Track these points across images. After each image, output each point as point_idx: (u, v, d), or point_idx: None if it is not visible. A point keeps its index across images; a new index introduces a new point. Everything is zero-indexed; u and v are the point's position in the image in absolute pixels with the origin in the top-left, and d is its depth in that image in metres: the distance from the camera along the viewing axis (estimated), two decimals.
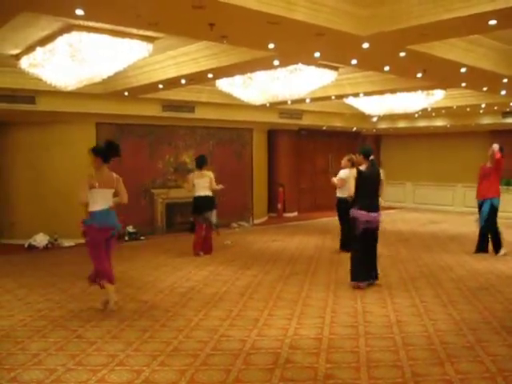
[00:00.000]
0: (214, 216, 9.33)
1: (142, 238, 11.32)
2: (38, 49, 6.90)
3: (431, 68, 7.70)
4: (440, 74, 8.40)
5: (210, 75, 8.25)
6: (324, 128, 16.21)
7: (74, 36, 6.22)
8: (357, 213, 6.80)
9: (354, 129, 17.15)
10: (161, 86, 9.25)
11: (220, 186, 9.38)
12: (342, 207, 8.71)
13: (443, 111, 14.16)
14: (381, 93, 10.64)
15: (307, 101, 11.47)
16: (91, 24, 6.06)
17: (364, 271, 6.85)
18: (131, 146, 11.54)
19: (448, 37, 6.33)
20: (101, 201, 5.78)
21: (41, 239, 10.31)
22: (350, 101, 12.18)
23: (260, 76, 8.60)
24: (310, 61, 7.69)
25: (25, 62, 7.51)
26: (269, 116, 13.64)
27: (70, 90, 8.23)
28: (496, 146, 8.89)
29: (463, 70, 7.74)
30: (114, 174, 5.98)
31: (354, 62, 7.39)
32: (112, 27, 6.17)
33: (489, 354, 4.45)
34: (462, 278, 7.37)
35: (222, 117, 12.51)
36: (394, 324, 5.33)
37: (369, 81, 9.91)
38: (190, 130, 12.80)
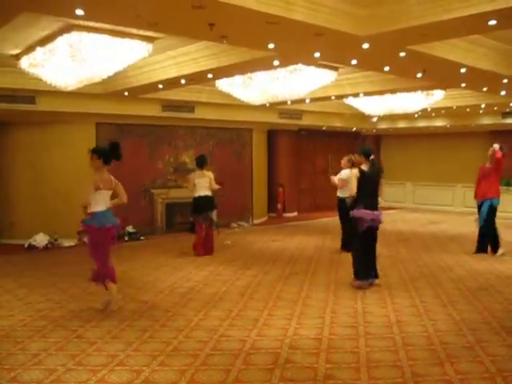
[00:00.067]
0: (214, 216, 9.38)
1: (141, 238, 11.32)
2: (38, 49, 6.90)
3: (431, 68, 7.70)
4: (440, 75, 8.40)
5: (209, 75, 8.25)
6: (324, 128, 16.22)
7: (74, 36, 6.22)
8: (361, 212, 6.78)
9: (354, 129, 17.15)
10: (161, 86, 9.25)
11: (217, 186, 9.42)
12: (343, 207, 8.71)
13: (443, 111, 14.16)
14: (381, 93, 10.65)
15: (307, 101, 11.47)
16: (91, 24, 6.06)
17: (365, 270, 6.86)
18: (131, 146, 11.54)
19: (448, 37, 6.33)
20: (102, 202, 5.80)
21: (41, 239, 10.31)
22: (350, 101, 12.18)
23: (260, 76, 8.60)
24: (309, 61, 7.69)
25: (25, 62, 7.52)
26: (269, 116, 13.64)
27: (70, 90, 8.23)
28: (496, 146, 8.90)
29: (463, 70, 7.75)
30: (112, 177, 5.96)
31: (353, 62, 7.40)
32: (112, 27, 6.17)
33: (488, 354, 4.45)
34: (461, 279, 7.38)
35: (222, 117, 12.51)
36: (393, 324, 5.33)
37: (369, 81, 9.91)
38: (190, 130, 12.80)
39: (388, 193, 18.53)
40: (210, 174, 9.34)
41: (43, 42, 6.77)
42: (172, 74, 8.27)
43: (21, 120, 10.70)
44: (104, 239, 5.82)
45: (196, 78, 8.60)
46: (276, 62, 7.35)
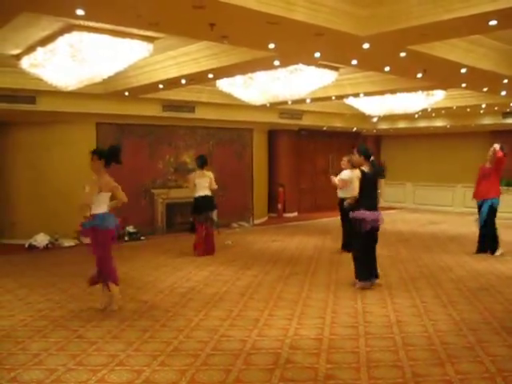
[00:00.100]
0: (214, 216, 9.41)
1: (142, 238, 11.32)
2: (39, 49, 6.91)
3: (431, 68, 7.70)
4: (440, 75, 8.40)
5: (210, 75, 8.26)
6: (324, 128, 16.22)
7: (75, 36, 6.22)
8: (363, 213, 6.74)
9: (355, 129, 17.15)
10: (161, 86, 9.25)
11: (216, 186, 9.48)
12: (344, 208, 8.68)
13: (443, 112, 14.16)
14: (381, 93, 10.65)
15: (307, 101, 11.47)
16: (92, 24, 6.07)
17: (367, 271, 6.86)
18: (131, 146, 11.56)
19: (448, 37, 6.33)
20: (103, 204, 5.81)
21: (41, 239, 10.31)
22: (351, 101, 12.18)
23: (260, 76, 8.60)
24: (310, 61, 7.69)
25: (25, 62, 7.52)
26: (269, 116, 13.65)
27: (71, 90, 8.24)
28: (497, 146, 8.91)
29: (463, 70, 7.75)
30: (112, 180, 5.96)
31: (354, 62, 7.40)
32: (112, 27, 6.17)
33: (489, 355, 4.45)
34: (461, 279, 7.37)
35: (223, 117, 12.52)
36: (394, 324, 5.33)
37: (369, 81, 9.91)
38: (190, 130, 12.80)
39: (388, 193, 18.56)
40: (210, 174, 9.35)
41: (44, 42, 6.78)
42: (172, 74, 8.28)
43: (21, 120, 10.71)
44: (107, 240, 5.84)
45: (196, 78, 8.60)
46: (276, 62, 7.35)
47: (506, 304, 6.10)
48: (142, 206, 11.89)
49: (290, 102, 11.42)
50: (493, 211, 8.97)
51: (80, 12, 4.97)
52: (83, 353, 4.55)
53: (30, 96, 9.58)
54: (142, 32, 6.51)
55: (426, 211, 16.83)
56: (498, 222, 9.20)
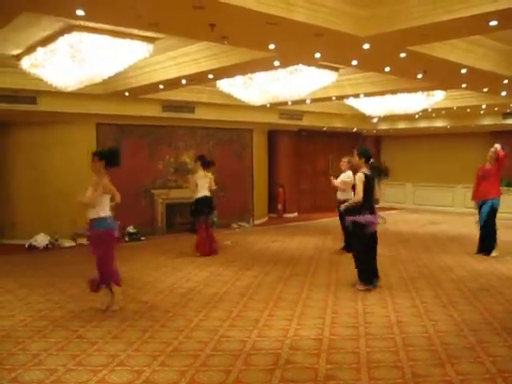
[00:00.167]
0: (215, 216, 9.43)
1: (142, 238, 11.32)
2: (39, 49, 6.92)
3: (432, 69, 7.71)
4: (440, 75, 8.40)
5: (210, 76, 8.26)
6: (324, 129, 16.22)
7: (75, 36, 6.23)
8: (367, 218, 6.69)
9: (355, 130, 17.16)
10: (161, 87, 9.26)
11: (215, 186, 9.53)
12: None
13: (443, 112, 14.17)
14: (381, 94, 10.65)
15: (307, 101, 11.47)
16: (92, 24, 6.07)
17: (371, 274, 6.85)
18: (131, 146, 11.57)
19: (448, 38, 6.33)
20: (106, 206, 5.82)
21: (41, 239, 10.32)
22: (351, 102, 12.19)
23: (260, 77, 8.60)
24: (310, 61, 7.69)
25: (26, 63, 7.53)
26: (269, 117, 13.65)
27: (71, 91, 8.25)
28: (498, 146, 8.94)
29: (464, 70, 7.75)
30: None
31: (354, 62, 7.40)
32: (112, 28, 6.18)
33: (489, 355, 4.45)
34: (462, 279, 7.37)
35: (222, 117, 12.53)
36: (394, 325, 5.33)
37: (369, 81, 9.92)
38: (190, 131, 12.81)
39: (388, 193, 18.53)
40: (209, 175, 9.39)
41: (44, 42, 6.79)
42: (173, 74, 8.28)
43: (22, 120, 10.71)
44: (110, 241, 5.85)
45: (197, 79, 8.60)
46: (276, 63, 7.36)
47: (507, 305, 6.09)
48: (142, 206, 11.90)
49: (290, 103, 11.43)
50: (493, 212, 8.97)
51: (80, 12, 4.97)
52: (83, 353, 4.55)
53: (31, 96, 9.59)
54: (142, 32, 6.51)
55: (426, 212, 16.83)
56: (499, 222, 9.20)
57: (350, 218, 6.83)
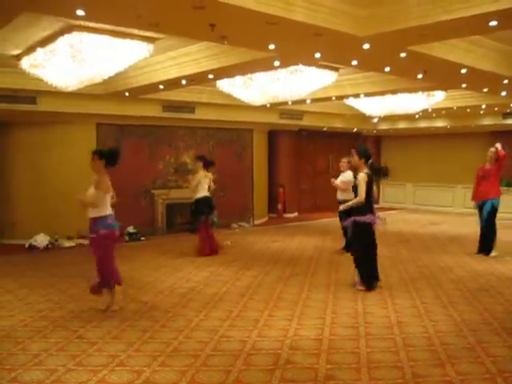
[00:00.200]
0: (215, 216, 9.45)
1: (142, 238, 11.32)
2: (39, 49, 6.91)
3: (432, 69, 7.70)
4: (440, 75, 8.40)
5: (210, 76, 8.26)
6: (324, 129, 16.22)
7: (75, 36, 6.23)
8: (370, 218, 6.70)
9: (355, 130, 17.15)
10: (161, 87, 9.25)
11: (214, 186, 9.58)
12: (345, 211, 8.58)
13: (443, 112, 14.16)
14: (381, 94, 10.65)
15: (308, 101, 11.47)
16: (92, 24, 6.07)
17: (374, 276, 6.87)
18: (131, 146, 11.57)
19: (448, 38, 6.33)
20: (107, 205, 5.81)
21: (41, 239, 10.31)
22: (351, 102, 12.19)
23: (260, 77, 8.60)
24: (310, 61, 7.69)
25: (26, 63, 7.53)
26: (269, 117, 13.65)
27: (71, 91, 8.24)
28: (499, 145, 8.96)
29: (464, 70, 7.75)
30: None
31: (354, 62, 7.40)
32: (113, 28, 6.18)
33: (489, 355, 4.45)
34: (462, 279, 7.37)
35: (223, 117, 12.53)
36: (394, 325, 5.33)
37: (369, 81, 9.91)
38: (190, 131, 12.81)
39: (388, 193, 18.54)
40: (209, 175, 9.40)
41: (44, 42, 6.78)
42: (173, 74, 8.28)
43: (22, 120, 10.71)
44: (112, 241, 5.86)
45: (197, 79, 8.61)
46: (276, 63, 7.36)
47: (506, 305, 6.09)
48: (142, 206, 11.89)
49: (290, 103, 11.43)
50: (493, 211, 8.98)
51: (80, 12, 4.97)
52: (83, 353, 4.55)
53: (31, 96, 9.59)
54: (142, 32, 6.51)
55: (427, 212, 16.83)
56: (498, 222, 9.20)
57: (351, 218, 6.82)
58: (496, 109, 13.31)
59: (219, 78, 8.86)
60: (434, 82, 9.32)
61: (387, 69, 7.89)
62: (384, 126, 17.01)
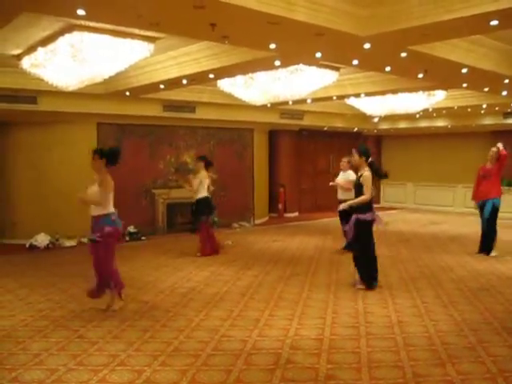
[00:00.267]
0: (215, 216, 9.47)
1: (142, 238, 11.32)
2: (40, 49, 6.91)
3: (432, 68, 7.70)
4: (441, 75, 8.40)
5: (211, 75, 8.26)
6: (325, 128, 16.22)
7: (76, 36, 6.23)
8: (373, 215, 6.74)
9: (356, 129, 17.14)
10: (162, 86, 9.25)
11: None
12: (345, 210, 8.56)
13: (444, 112, 14.16)
14: (382, 93, 10.64)
15: (308, 101, 11.47)
16: (92, 24, 6.07)
17: (372, 275, 6.87)
18: (132, 146, 11.57)
19: (449, 37, 6.33)
20: (111, 203, 5.81)
21: (42, 239, 10.31)
22: (352, 101, 12.18)
23: (261, 76, 8.60)
24: (311, 61, 7.69)
25: (26, 62, 7.53)
26: (270, 116, 13.65)
27: (72, 90, 8.24)
28: (500, 145, 8.97)
29: (464, 70, 7.74)
30: None
31: (355, 62, 7.39)
32: (113, 27, 6.18)
33: (490, 355, 4.44)
34: (462, 279, 7.37)
35: (223, 117, 12.53)
36: (395, 325, 5.32)
37: (370, 81, 9.91)
38: (191, 131, 12.81)
39: (389, 193, 18.55)
40: (211, 175, 9.43)
41: (44, 42, 6.78)
42: (173, 74, 8.28)
43: (22, 120, 10.72)
44: (116, 240, 5.88)
45: (197, 78, 8.60)
46: (277, 62, 7.35)
47: (507, 304, 6.09)
48: (142, 206, 11.89)
49: (290, 102, 11.42)
50: (495, 211, 8.97)
51: (81, 12, 4.97)
52: (84, 353, 4.55)
53: (31, 96, 9.59)
54: (142, 32, 6.51)
55: (427, 211, 16.83)
56: (499, 221, 9.19)
57: (353, 217, 6.80)
58: (497, 108, 13.30)
59: (220, 78, 8.86)
60: (434, 82, 9.32)
61: (388, 68, 7.89)
62: (385, 126, 17.01)
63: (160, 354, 4.52)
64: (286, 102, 11.38)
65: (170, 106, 11.48)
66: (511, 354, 4.48)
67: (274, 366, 4.22)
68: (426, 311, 5.80)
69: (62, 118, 10.62)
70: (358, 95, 10.95)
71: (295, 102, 11.54)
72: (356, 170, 7.19)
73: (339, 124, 15.72)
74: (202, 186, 9.18)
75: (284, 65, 7.69)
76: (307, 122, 14.77)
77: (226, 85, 9.32)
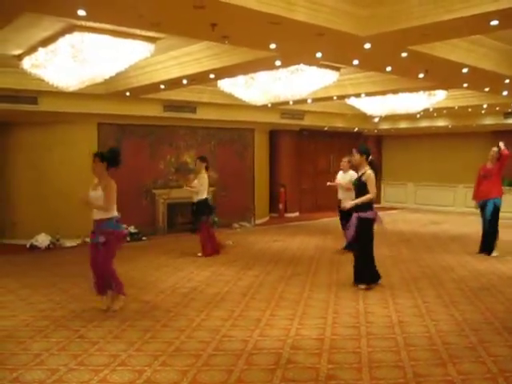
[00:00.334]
0: (216, 216, 9.50)
1: (143, 238, 11.32)
2: (40, 49, 6.92)
3: (433, 68, 7.70)
4: (442, 75, 8.39)
5: (211, 75, 8.26)
6: (326, 128, 16.21)
7: (76, 36, 6.23)
8: (374, 213, 6.76)
9: (356, 129, 17.14)
10: (162, 87, 9.25)
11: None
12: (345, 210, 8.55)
13: (445, 112, 14.15)
14: (382, 93, 10.64)
15: (309, 101, 11.47)
16: (93, 24, 6.07)
17: (374, 273, 6.89)
18: (133, 146, 11.57)
19: (449, 37, 6.32)
20: (115, 207, 5.83)
21: (42, 239, 10.32)
22: (352, 101, 12.18)
23: (262, 76, 8.60)
24: (311, 61, 7.69)
25: (27, 63, 7.53)
26: (270, 116, 13.65)
27: (72, 91, 8.24)
28: (502, 144, 8.97)
29: (465, 70, 7.74)
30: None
31: (355, 62, 7.39)
32: (114, 28, 6.18)
33: (490, 355, 4.44)
34: (463, 279, 7.37)
35: (224, 117, 12.53)
36: (395, 324, 5.33)
37: (370, 81, 9.91)
38: (192, 131, 12.81)
39: (389, 193, 18.55)
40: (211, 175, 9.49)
41: (45, 42, 6.79)
42: (174, 74, 8.28)
43: (23, 120, 10.72)
44: (120, 241, 5.90)
45: (198, 79, 8.61)
46: (278, 63, 7.35)
47: (508, 304, 6.09)
48: (143, 206, 11.89)
49: (291, 103, 11.42)
50: (496, 211, 8.97)
51: (81, 12, 4.97)
52: (85, 353, 4.55)
53: (32, 96, 9.59)
54: (143, 32, 6.51)
55: (428, 211, 16.82)
56: (500, 221, 9.18)
57: (354, 215, 6.79)
58: (497, 108, 13.29)
59: (220, 78, 8.86)
60: (435, 82, 9.32)
61: (388, 68, 7.88)
62: (385, 126, 17.00)
63: (161, 354, 4.52)
64: (287, 102, 11.38)
65: (171, 106, 11.48)
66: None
67: (274, 366, 4.22)
68: (426, 311, 5.80)
69: (62, 119, 10.62)
70: (358, 95, 10.95)
71: (296, 102, 11.54)
72: (357, 169, 7.20)
73: (340, 124, 15.72)
74: (203, 187, 9.19)
75: (284, 65, 7.69)
76: (308, 122, 14.77)
77: (226, 85, 9.33)
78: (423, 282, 7.19)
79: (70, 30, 6.18)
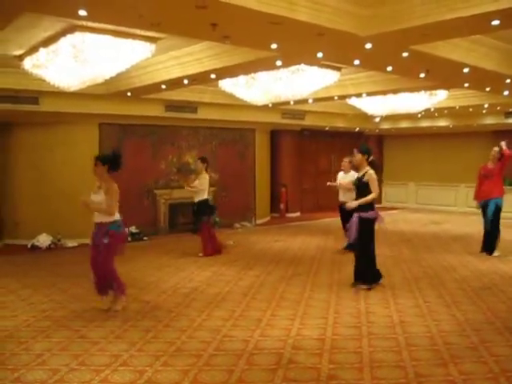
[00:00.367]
0: (216, 216, 9.50)
1: (144, 238, 11.33)
2: (41, 49, 6.92)
3: (434, 68, 7.69)
4: (443, 74, 8.39)
5: (212, 75, 8.26)
6: (327, 128, 16.21)
7: (77, 37, 6.23)
8: (376, 213, 6.77)
9: (357, 129, 17.14)
10: (163, 87, 9.26)
11: None
12: (346, 211, 8.54)
13: (446, 111, 14.14)
14: (384, 93, 10.64)
15: (310, 101, 11.47)
16: (94, 25, 6.07)
17: (377, 271, 6.89)
18: (134, 146, 11.57)
19: (450, 37, 6.32)
20: (117, 210, 5.82)
21: (44, 239, 10.33)
22: (353, 101, 12.18)
23: (263, 76, 8.60)
24: (312, 61, 7.69)
25: (28, 63, 7.54)
26: (271, 116, 13.65)
27: (73, 91, 8.25)
28: (504, 144, 8.96)
29: (466, 70, 7.73)
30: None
31: (356, 62, 7.39)
32: (115, 28, 6.19)
33: (492, 355, 4.44)
34: (465, 279, 7.36)
35: (225, 117, 12.53)
36: (397, 324, 5.32)
37: (371, 81, 9.90)
38: (193, 131, 12.81)
39: (390, 193, 18.53)
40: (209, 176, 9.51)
41: (46, 42, 6.79)
42: (175, 74, 8.28)
43: (24, 120, 10.73)
44: (120, 244, 5.91)
45: (199, 79, 8.60)
46: (279, 62, 7.35)
47: (510, 304, 6.08)
48: (144, 206, 11.90)
49: (292, 102, 11.42)
50: (497, 211, 8.96)
51: (82, 13, 4.97)
52: (86, 353, 4.56)
53: (33, 97, 9.60)
54: (144, 32, 6.51)
55: (429, 211, 16.81)
56: (501, 221, 9.17)
57: (355, 215, 6.78)
58: (498, 108, 13.28)
59: (221, 78, 8.86)
60: (436, 82, 9.31)
61: (389, 68, 7.88)
62: (386, 126, 16.99)
63: (162, 354, 4.52)
64: (288, 102, 11.38)
65: (172, 106, 11.48)
66: None
67: (275, 366, 4.22)
68: (428, 311, 5.80)
69: (63, 119, 10.63)
70: (359, 95, 10.95)
71: (297, 102, 11.54)
72: (357, 169, 7.19)
73: (341, 124, 15.72)
74: (203, 187, 9.19)
75: (285, 65, 7.69)
76: (309, 121, 14.77)
77: (227, 85, 9.33)
78: (424, 282, 7.18)
79: (71, 30, 6.19)
